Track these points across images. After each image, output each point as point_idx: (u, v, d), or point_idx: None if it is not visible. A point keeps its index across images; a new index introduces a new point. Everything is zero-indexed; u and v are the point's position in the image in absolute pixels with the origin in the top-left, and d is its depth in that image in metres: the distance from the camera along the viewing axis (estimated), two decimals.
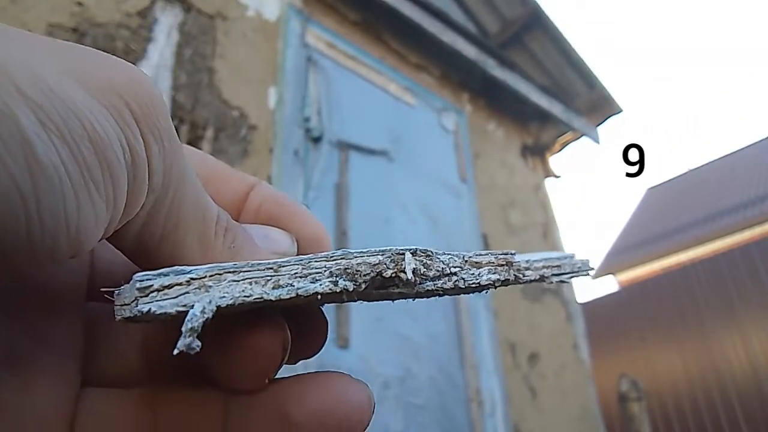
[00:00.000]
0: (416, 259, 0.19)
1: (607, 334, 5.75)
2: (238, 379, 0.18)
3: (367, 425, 0.18)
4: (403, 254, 0.18)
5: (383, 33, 2.61)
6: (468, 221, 2.61)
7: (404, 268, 0.18)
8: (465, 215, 2.61)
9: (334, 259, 0.18)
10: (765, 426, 4.62)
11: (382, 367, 1.91)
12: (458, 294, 0.20)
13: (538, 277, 0.22)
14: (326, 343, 0.22)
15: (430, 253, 0.19)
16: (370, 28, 2.55)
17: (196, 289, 0.16)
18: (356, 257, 0.18)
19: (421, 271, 0.19)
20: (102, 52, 0.16)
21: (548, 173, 3.45)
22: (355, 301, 0.19)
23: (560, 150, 3.56)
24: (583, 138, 3.48)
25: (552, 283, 0.23)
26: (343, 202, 2.05)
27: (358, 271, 0.17)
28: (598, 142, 3.53)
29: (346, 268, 0.17)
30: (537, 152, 3.43)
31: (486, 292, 0.21)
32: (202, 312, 0.15)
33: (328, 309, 1.87)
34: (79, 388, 0.18)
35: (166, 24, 1.80)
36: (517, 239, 2.88)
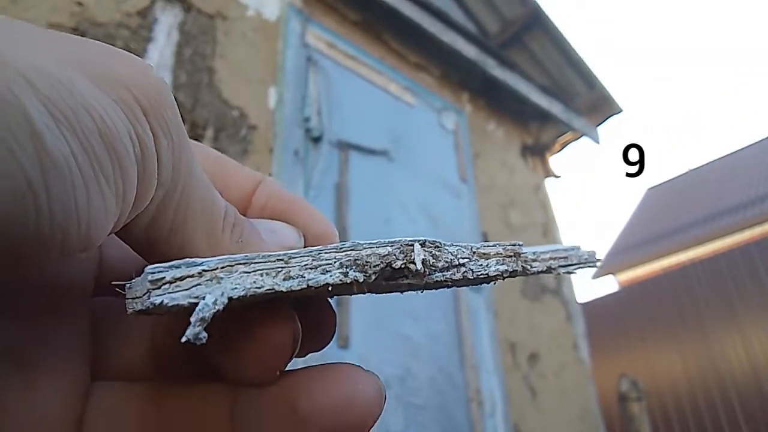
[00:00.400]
0: (425, 250, 0.19)
1: (607, 334, 5.75)
2: (248, 371, 0.18)
3: (378, 417, 0.18)
4: (413, 245, 0.18)
5: (383, 33, 2.61)
6: (468, 221, 2.61)
7: (413, 258, 0.18)
8: (465, 215, 2.61)
9: (344, 251, 0.18)
10: (765, 426, 4.62)
11: (382, 367, 1.91)
12: (467, 285, 0.21)
13: (545, 268, 0.22)
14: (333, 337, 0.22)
15: (438, 244, 0.19)
16: (370, 28, 2.55)
17: (207, 280, 0.16)
18: (366, 248, 0.18)
19: (430, 262, 0.19)
20: (109, 46, 0.16)
21: (548, 173, 3.45)
22: (365, 293, 0.19)
23: (560, 150, 3.56)
24: (583, 138, 3.48)
25: (559, 274, 0.23)
26: (343, 202, 2.05)
27: (368, 262, 0.17)
28: (598, 142, 3.53)
29: (356, 259, 0.17)
30: (537, 152, 3.43)
31: (494, 284, 0.21)
32: (215, 303, 0.15)
33: None
34: (88, 385, 0.18)
35: (166, 24, 1.80)
36: (516, 239, 2.86)
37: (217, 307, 0.15)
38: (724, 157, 12.72)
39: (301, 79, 2.12)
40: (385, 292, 0.20)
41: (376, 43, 2.58)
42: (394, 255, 0.18)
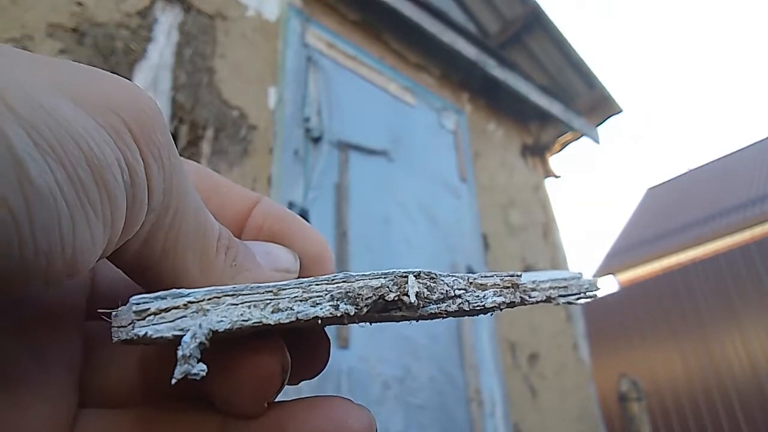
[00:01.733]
0: (420, 282, 0.18)
1: (607, 334, 5.75)
2: (236, 402, 0.18)
3: None
4: (406, 277, 0.18)
5: (383, 33, 2.61)
6: (468, 221, 2.61)
7: (407, 291, 0.18)
8: (465, 215, 2.61)
9: (336, 283, 0.17)
10: (765, 426, 4.62)
11: (382, 367, 1.91)
12: (463, 316, 0.20)
13: (544, 297, 0.22)
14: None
15: (434, 275, 0.19)
16: (369, 27, 2.55)
17: (193, 312, 0.15)
18: (358, 280, 0.17)
19: (425, 294, 0.18)
20: (100, 70, 0.16)
21: (548, 173, 3.45)
22: (357, 323, 0.18)
23: (560, 150, 3.56)
24: (583, 138, 3.48)
25: (558, 303, 0.23)
26: (343, 202, 2.05)
27: (360, 294, 0.17)
28: (598, 142, 3.53)
29: (347, 292, 0.17)
30: (537, 152, 3.43)
31: (491, 314, 0.21)
32: (193, 338, 0.15)
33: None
34: (76, 408, 0.18)
35: (166, 24, 1.80)
36: (517, 239, 2.88)
37: (198, 341, 0.15)
38: (724, 157, 12.72)
39: (301, 79, 2.12)
40: (378, 322, 0.19)
41: (376, 43, 2.58)
42: (387, 287, 0.17)
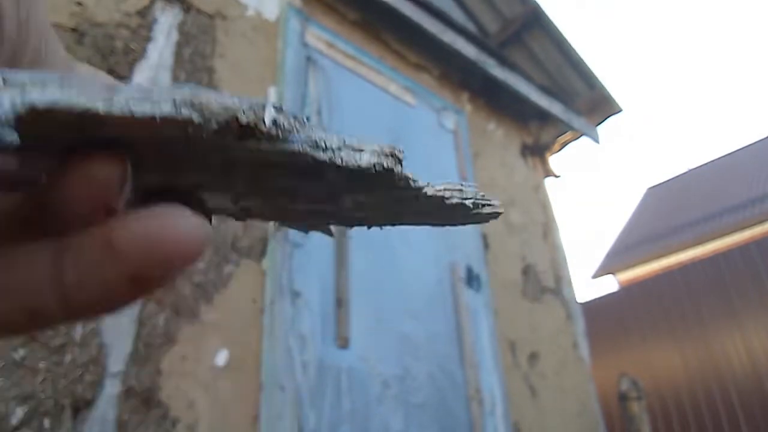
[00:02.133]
0: (281, 115, 0.17)
1: (607, 333, 5.75)
2: (70, 208, 0.17)
3: (191, 258, 0.17)
4: (264, 105, 0.17)
5: (383, 32, 2.61)
6: None
7: (263, 117, 0.16)
8: None
9: (182, 91, 0.16)
10: (765, 425, 4.62)
11: (382, 367, 1.91)
12: (339, 180, 0.19)
13: (433, 193, 0.21)
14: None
15: (302, 119, 0.18)
16: (369, 27, 2.55)
17: (12, 89, 0.14)
18: (211, 95, 0.16)
19: (285, 125, 0.17)
20: None
21: (548, 173, 3.46)
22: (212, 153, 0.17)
23: (560, 150, 3.56)
24: (583, 138, 3.48)
25: (452, 203, 0.21)
26: None
27: (209, 107, 0.16)
28: (597, 142, 3.53)
29: (191, 100, 0.16)
30: (537, 152, 3.43)
31: (371, 176, 0.19)
32: (12, 104, 0.14)
33: (329, 309, 1.88)
34: None
35: (166, 24, 1.80)
36: (517, 239, 2.88)
37: (16, 108, 0.14)
38: (724, 157, 12.73)
39: (300, 79, 2.13)
40: (264, 181, 0.18)
41: (376, 43, 2.58)
42: (242, 109, 0.16)
